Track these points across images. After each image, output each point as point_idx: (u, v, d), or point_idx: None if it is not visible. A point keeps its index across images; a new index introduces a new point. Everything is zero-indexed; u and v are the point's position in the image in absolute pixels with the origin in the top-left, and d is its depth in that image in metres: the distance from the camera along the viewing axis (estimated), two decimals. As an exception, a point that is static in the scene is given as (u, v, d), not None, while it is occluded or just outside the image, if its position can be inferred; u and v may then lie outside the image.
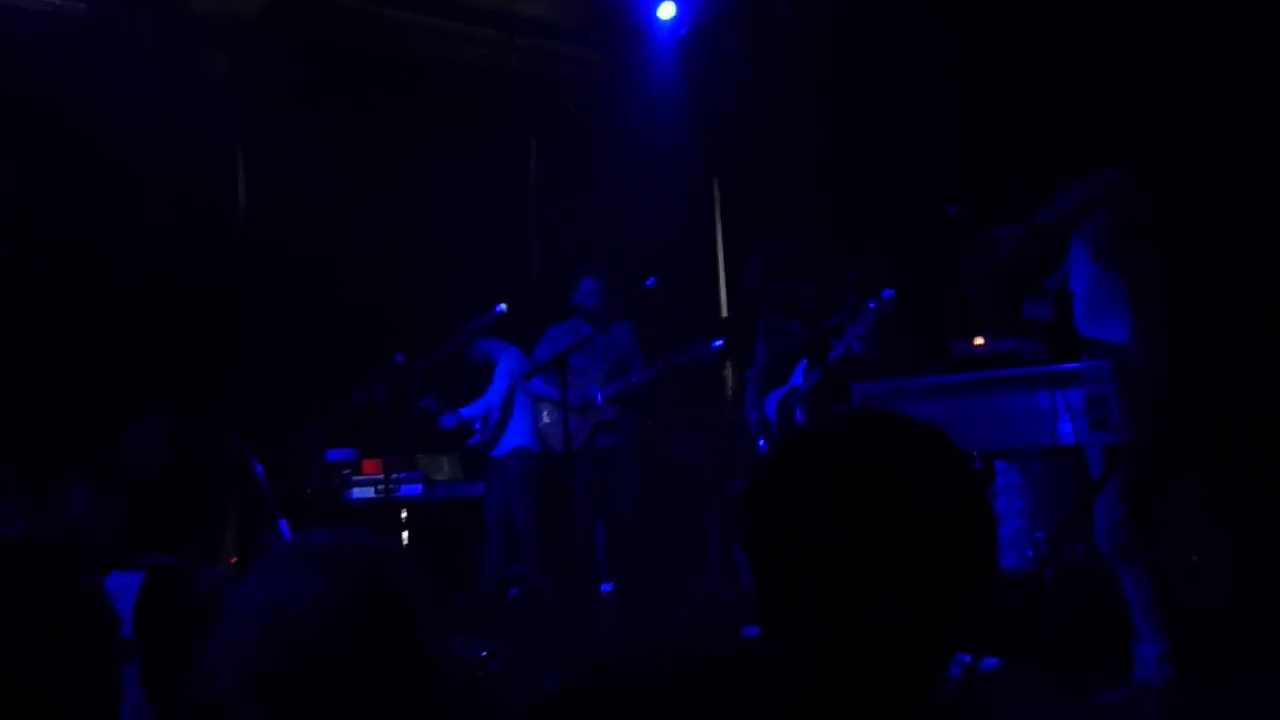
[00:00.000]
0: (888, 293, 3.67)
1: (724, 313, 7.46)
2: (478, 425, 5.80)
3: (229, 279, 5.64)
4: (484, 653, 4.42)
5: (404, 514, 5.59)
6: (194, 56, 5.76)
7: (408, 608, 1.14)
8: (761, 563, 0.93)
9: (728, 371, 7.36)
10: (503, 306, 5.14)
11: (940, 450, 0.93)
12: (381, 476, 5.34)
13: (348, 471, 5.67)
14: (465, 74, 6.67)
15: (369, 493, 5.53)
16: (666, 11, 6.71)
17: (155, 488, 1.93)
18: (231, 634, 1.08)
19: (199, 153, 5.64)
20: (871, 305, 3.68)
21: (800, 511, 0.90)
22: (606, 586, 5.52)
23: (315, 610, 1.07)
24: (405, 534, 5.59)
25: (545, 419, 5.52)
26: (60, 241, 5.07)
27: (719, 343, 4.82)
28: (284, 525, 3.55)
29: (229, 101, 5.84)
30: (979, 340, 4.26)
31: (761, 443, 4.32)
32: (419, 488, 5.70)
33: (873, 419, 0.96)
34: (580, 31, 6.96)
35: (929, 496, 0.89)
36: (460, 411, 5.80)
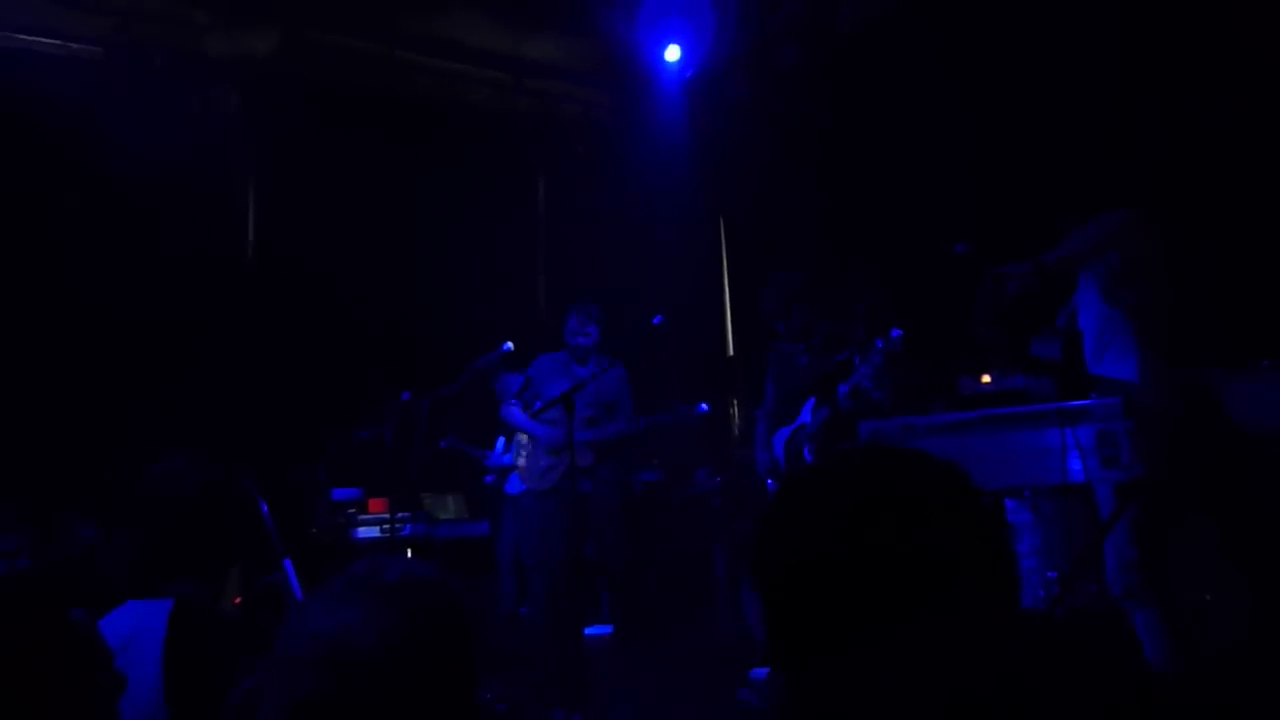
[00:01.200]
0: (896, 332, 3.67)
1: (730, 351, 7.48)
2: (491, 462, 5.77)
3: (237, 316, 5.68)
4: (489, 694, 4.38)
5: (409, 554, 5.56)
6: (207, 97, 5.86)
7: (467, 656, 1.13)
8: (774, 601, 0.91)
9: (734, 410, 7.37)
10: (510, 345, 5.14)
11: (956, 485, 0.91)
12: (387, 515, 5.33)
13: (353, 510, 5.66)
14: (473, 115, 6.75)
15: (374, 532, 5.51)
16: (673, 54, 6.81)
17: (181, 520, 1.94)
18: (286, 657, 1.06)
19: (211, 191, 5.71)
20: (879, 344, 3.68)
21: (814, 547, 0.88)
22: (607, 629, 5.47)
23: (378, 644, 1.05)
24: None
25: (522, 460, 5.49)
26: (72, 278, 5.12)
27: (704, 408, 4.79)
28: (289, 565, 3.54)
29: (241, 141, 5.92)
30: (986, 378, 4.27)
31: (770, 483, 4.31)
32: (423, 527, 5.68)
33: (887, 454, 0.94)
34: (587, 73, 7.06)
35: (947, 531, 0.87)
36: (504, 459, 5.73)
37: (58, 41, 5.50)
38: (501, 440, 5.78)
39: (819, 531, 0.89)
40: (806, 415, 4.08)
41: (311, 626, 1.07)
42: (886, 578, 0.85)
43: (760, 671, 4.42)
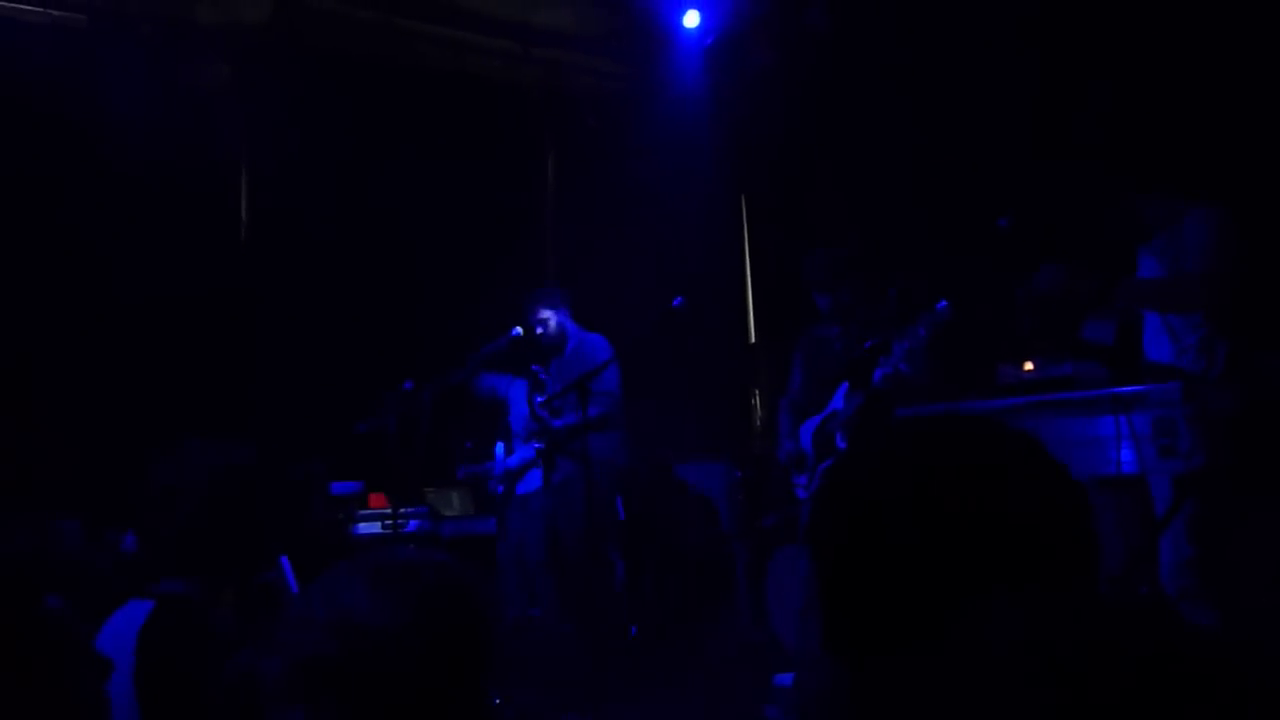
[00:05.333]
0: (941, 304, 3.60)
1: (752, 338, 7.41)
2: (498, 471, 5.71)
3: (230, 301, 5.65)
4: (497, 700, 4.36)
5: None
6: (197, 68, 5.82)
7: (477, 639, 1.18)
8: (834, 577, 0.88)
9: (756, 400, 7.31)
10: (519, 330, 5.14)
11: (1037, 453, 0.88)
12: (388, 511, 5.30)
13: (353, 505, 5.64)
14: (479, 87, 6.70)
15: (375, 528, 5.49)
16: (691, 20, 6.73)
17: (183, 514, 1.94)
18: (295, 620, 1.12)
19: (201, 167, 5.68)
20: (923, 316, 3.62)
21: (881, 514, 0.85)
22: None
23: (389, 619, 1.10)
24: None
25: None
26: (58, 258, 5.11)
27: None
28: (285, 562, 3.52)
29: (233, 114, 5.89)
30: (1029, 365, 4.19)
31: (796, 476, 4.25)
32: (427, 524, 5.66)
33: (961, 420, 0.92)
34: (600, 42, 6.99)
35: (1028, 498, 0.84)
36: (508, 462, 5.69)
37: (38, 8, 5.47)
38: (500, 446, 5.73)
39: (887, 497, 0.86)
40: (839, 402, 4.02)
41: (324, 597, 1.13)
42: (960, 551, 0.81)
43: (784, 678, 4.38)
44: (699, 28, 6.78)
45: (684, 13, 6.69)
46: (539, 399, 5.16)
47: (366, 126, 6.05)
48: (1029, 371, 4.13)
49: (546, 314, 5.29)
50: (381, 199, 6.11)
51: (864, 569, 0.85)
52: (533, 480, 5.54)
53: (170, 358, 5.27)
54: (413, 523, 5.56)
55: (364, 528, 5.52)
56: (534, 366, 5.33)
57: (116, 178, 5.28)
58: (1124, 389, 2.95)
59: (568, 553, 5.16)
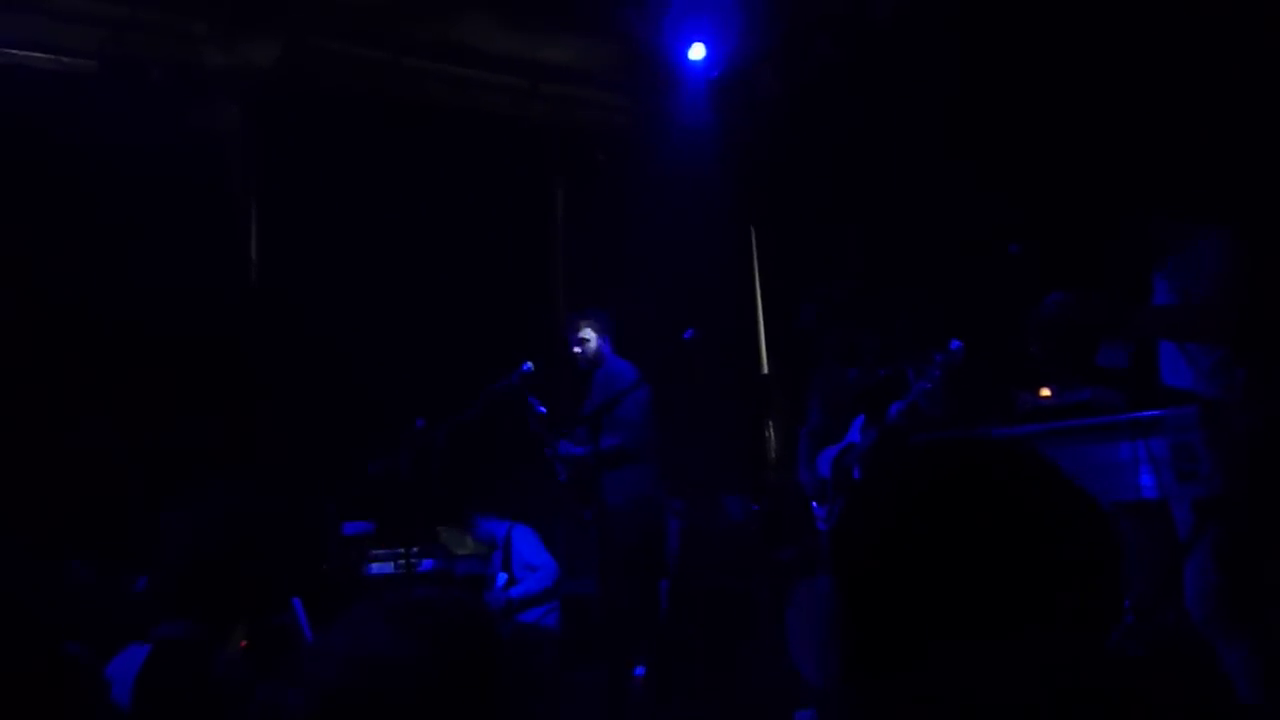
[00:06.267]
0: (955, 344, 3.60)
1: (764, 369, 7.41)
2: (496, 598, 5.66)
3: (240, 340, 5.68)
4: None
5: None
6: (206, 110, 5.90)
7: (493, 677, 1.22)
8: (853, 594, 0.88)
9: (770, 432, 7.29)
10: (530, 365, 5.12)
11: (1058, 477, 0.89)
12: (401, 550, 5.29)
13: (366, 545, 5.63)
14: (488, 123, 6.76)
15: (388, 568, 5.48)
16: (697, 53, 6.79)
17: (188, 559, 1.93)
18: (316, 654, 1.17)
19: (211, 208, 5.74)
20: (938, 358, 3.62)
21: (903, 535, 0.85)
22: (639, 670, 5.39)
23: (406, 650, 1.15)
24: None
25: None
26: (64, 300, 5.15)
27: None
28: (298, 605, 3.51)
29: (242, 156, 5.96)
30: (1045, 391, 4.17)
31: (816, 506, 4.23)
32: (441, 562, 5.65)
33: (986, 443, 0.92)
34: (607, 76, 7.06)
35: (1054, 530, 0.84)
36: (510, 592, 5.65)
37: (50, 55, 5.56)
38: (503, 576, 5.57)
39: (910, 517, 0.86)
40: (855, 434, 4.01)
41: (344, 633, 1.18)
42: (982, 575, 0.81)
43: (805, 714, 4.33)
44: (704, 61, 6.84)
45: (689, 46, 6.75)
46: (561, 444, 5.13)
47: (375, 165, 6.11)
48: (1046, 398, 4.12)
49: (589, 334, 5.23)
50: (391, 236, 6.15)
51: (883, 593, 0.85)
52: (535, 612, 5.52)
53: (180, 398, 5.29)
54: (426, 562, 5.55)
55: (377, 568, 5.51)
56: (530, 399, 5.27)
57: (128, 219, 5.33)
58: (1142, 414, 2.93)
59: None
